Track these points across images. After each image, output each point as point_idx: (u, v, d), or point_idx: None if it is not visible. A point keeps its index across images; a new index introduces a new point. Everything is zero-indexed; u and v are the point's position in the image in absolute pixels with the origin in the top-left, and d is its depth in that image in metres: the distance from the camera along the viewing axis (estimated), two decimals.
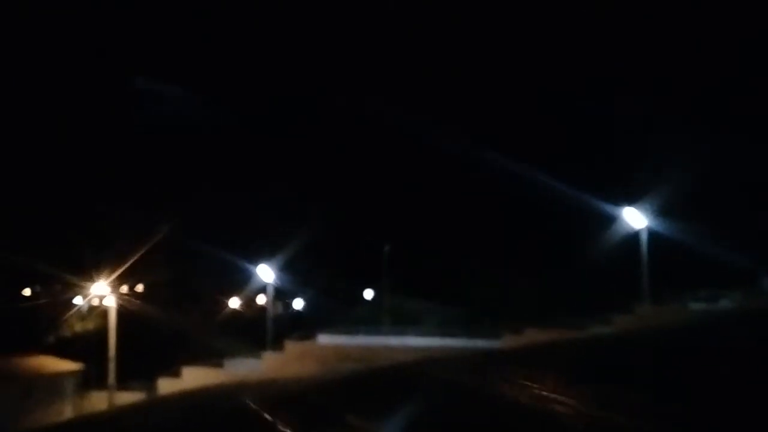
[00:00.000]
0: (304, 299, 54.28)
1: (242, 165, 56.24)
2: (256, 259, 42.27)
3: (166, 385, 33.97)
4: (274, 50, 60.93)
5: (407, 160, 47.79)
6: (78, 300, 46.86)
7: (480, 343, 31.29)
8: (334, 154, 52.45)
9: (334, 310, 46.42)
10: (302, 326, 40.67)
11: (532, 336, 29.40)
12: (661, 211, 31.39)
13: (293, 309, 55.54)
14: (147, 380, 35.43)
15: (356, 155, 50.09)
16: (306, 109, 56.50)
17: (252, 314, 52.82)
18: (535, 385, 12.35)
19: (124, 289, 46.64)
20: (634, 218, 31.04)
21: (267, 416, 14.95)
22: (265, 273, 41.05)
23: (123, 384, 35.12)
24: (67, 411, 34.61)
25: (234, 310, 55.51)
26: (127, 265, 36.77)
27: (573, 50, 41.95)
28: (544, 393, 11.47)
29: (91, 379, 37.25)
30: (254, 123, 57.80)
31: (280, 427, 12.88)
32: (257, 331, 40.27)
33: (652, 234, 30.92)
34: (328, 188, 52.49)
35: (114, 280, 36.72)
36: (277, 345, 37.00)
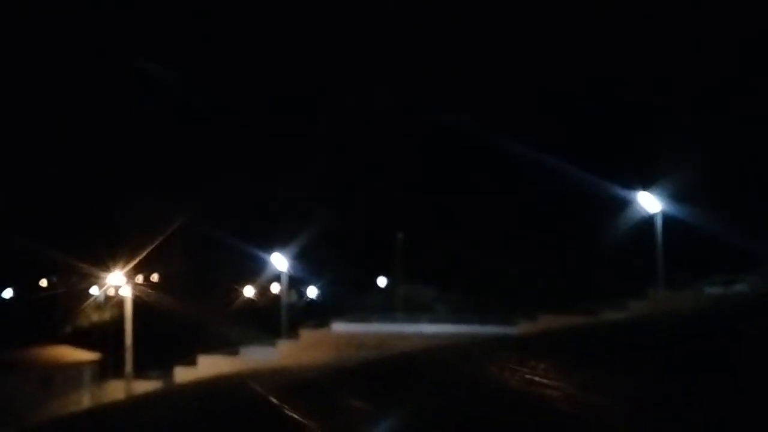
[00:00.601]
0: (318, 287, 54.45)
1: (256, 154, 56.30)
2: (271, 248, 42.41)
3: (182, 374, 34.28)
4: (289, 37, 60.84)
5: (420, 147, 47.66)
6: (94, 290, 47.37)
7: (494, 330, 31.24)
8: (348, 143, 52.35)
9: (347, 298, 46.55)
10: (316, 314, 40.81)
11: (547, 322, 29.26)
12: (676, 196, 31.12)
13: (307, 297, 55.75)
14: (164, 369, 35.78)
15: (370, 144, 49.96)
16: (321, 97, 56.47)
17: (266, 303, 53.15)
18: (530, 371, 12.43)
19: (140, 278, 47.09)
20: (649, 203, 30.79)
21: (278, 403, 15.05)
22: (279, 262, 41.19)
23: (140, 373, 35.50)
24: (85, 400, 35.06)
25: (249, 298, 55.87)
26: (142, 255, 37.07)
27: (589, 35, 41.50)
28: (537, 378, 11.58)
29: (109, 368, 37.72)
30: (268, 112, 57.87)
31: (290, 414, 12.97)
32: (272, 319, 40.49)
33: (666, 219, 30.67)
34: (342, 177, 52.46)
35: (130, 270, 37.04)
36: (291, 333, 37.16)
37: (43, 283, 58.39)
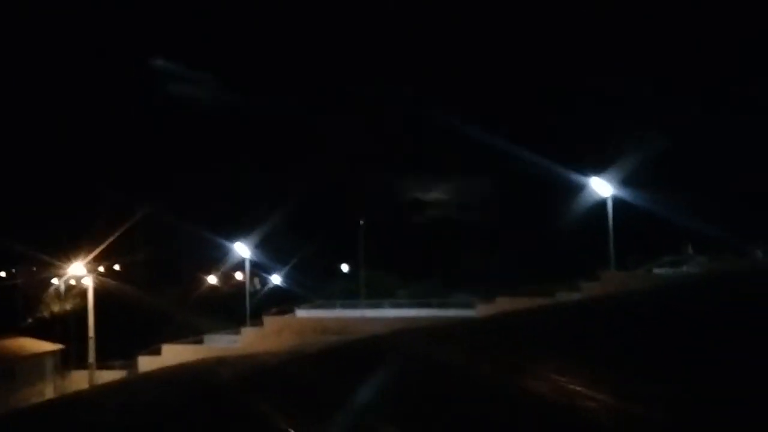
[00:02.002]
0: (282, 274, 54.75)
1: (219, 144, 56.19)
2: (234, 236, 42.58)
3: (146, 363, 34.33)
4: (252, 26, 60.49)
5: (381, 134, 48.13)
6: (56, 281, 46.91)
7: (454, 313, 32.10)
8: (309, 130, 52.57)
9: (311, 284, 46.99)
10: (280, 301, 41.18)
11: (504, 304, 30.18)
12: (628, 181, 32.19)
13: (271, 284, 56.01)
14: (127, 359, 35.81)
15: (331, 130, 50.25)
16: (284, 85, 56.43)
17: (230, 291, 53.28)
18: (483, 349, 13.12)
19: (102, 269, 46.72)
20: (601, 187, 31.79)
21: (243, 389, 15.43)
22: (242, 249, 41.38)
23: (103, 363, 35.46)
24: (48, 391, 34.92)
25: (212, 287, 55.91)
26: (104, 245, 36.89)
27: (543, 25, 42.36)
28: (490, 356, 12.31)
29: (71, 359, 37.58)
30: (231, 102, 57.64)
31: (254, 401, 13.37)
32: (236, 307, 40.73)
33: (620, 203, 31.71)
34: (304, 165, 52.65)
35: (92, 261, 36.83)
36: (255, 320, 37.49)
37: (1, 274, 57.49)
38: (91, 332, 34.35)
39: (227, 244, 43.98)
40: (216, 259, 50.99)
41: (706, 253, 32.99)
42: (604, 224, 31.32)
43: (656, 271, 30.36)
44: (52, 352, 36.65)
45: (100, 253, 36.76)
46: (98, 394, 28.58)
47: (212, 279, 57.03)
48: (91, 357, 34.37)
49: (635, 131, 33.40)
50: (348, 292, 40.34)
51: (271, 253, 47.38)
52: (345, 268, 53.88)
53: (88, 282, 35.44)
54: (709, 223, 30.82)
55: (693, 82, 35.65)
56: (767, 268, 24.96)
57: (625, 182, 31.96)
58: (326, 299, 39.12)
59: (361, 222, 37.84)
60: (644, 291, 21.51)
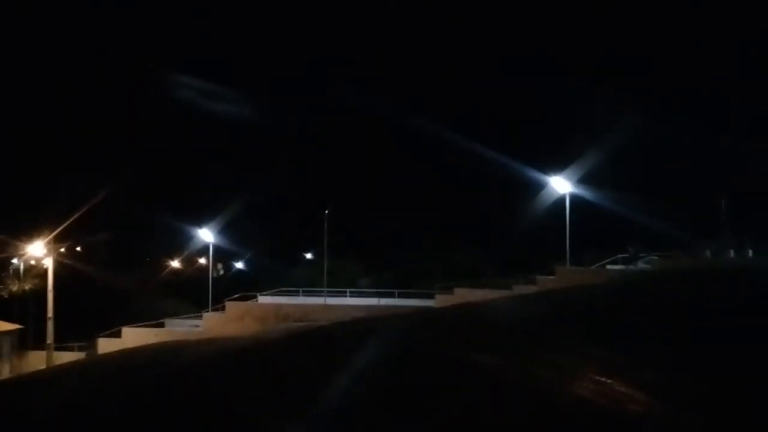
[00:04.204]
0: (246, 260, 54.89)
1: (184, 128, 55.83)
2: (199, 221, 42.59)
3: (106, 345, 34.28)
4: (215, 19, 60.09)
5: (349, 127, 48.49)
6: (15, 260, 46.26)
7: (413, 303, 32.81)
8: (275, 120, 52.63)
9: (275, 270, 47.24)
10: (243, 287, 41.38)
11: (463, 295, 30.96)
12: (586, 179, 33.17)
13: (235, 269, 56.10)
14: (87, 340, 35.70)
15: (299, 121, 50.43)
16: (248, 74, 56.28)
17: (193, 275, 53.22)
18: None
19: (63, 250, 46.20)
20: (561, 185, 32.71)
21: (204, 373, 15.72)
22: (206, 234, 41.42)
23: (62, 344, 35.28)
24: (5, 371, 34.67)
25: (175, 271, 55.69)
26: (64, 226, 36.55)
27: (504, 18, 43.06)
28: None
29: (29, 339, 37.29)
30: (197, 87, 57.25)
31: (216, 383, 13.66)
32: (198, 291, 40.82)
33: (578, 200, 32.68)
34: (270, 151, 52.73)
35: (52, 241, 36.47)
36: (217, 305, 37.66)
37: None
38: (50, 313, 34.06)
39: (192, 228, 43.99)
40: (180, 243, 50.88)
41: (658, 251, 34.15)
42: (562, 221, 32.28)
43: (609, 267, 31.38)
44: (10, 332, 36.35)
45: (62, 233, 36.40)
46: (55, 375, 28.49)
47: (175, 263, 56.78)
48: (50, 338, 34.09)
49: (594, 130, 34.35)
50: (311, 280, 40.75)
51: (237, 238, 47.46)
52: (309, 256, 54.17)
53: (48, 262, 35.14)
54: (663, 222, 32.09)
55: (650, 83, 36.78)
56: (713, 267, 25.99)
57: (583, 181, 32.97)
58: (289, 286, 39.45)
59: (327, 211, 38.19)
60: (595, 285, 22.50)
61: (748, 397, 7.88)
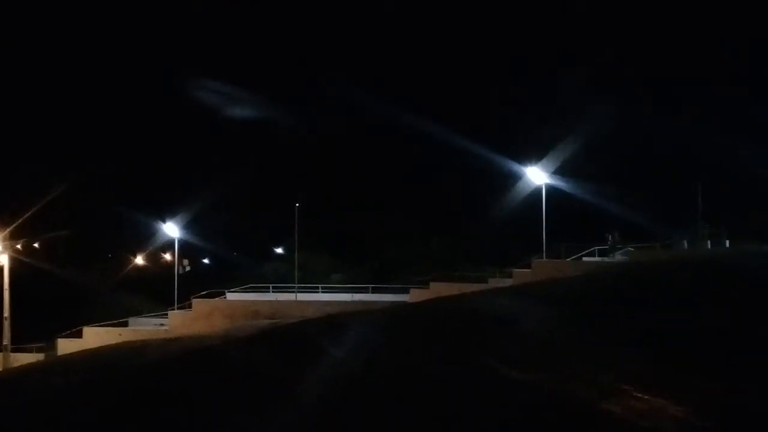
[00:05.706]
0: (214, 256, 53.62)
1: (148, 120, 54.35)
2: (164, 216, 41.20)
3: (66, 346, 32.85)
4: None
5: (320, 119, 47.63)
6: None
7: (388, 298, 32.03)
8: (243, 111, 51.50)
9: (244, 266, 46.11)
10: (211, 283, 40.12)
11: (438, 290, 30.23)
12: (562, 170, 32.77)
13: (202, 265, 54.79)
14: (46, 341, 34.23)
15: (268, 113, 49.41)
16: (215, 68, 55.07)
17: (159, 271, 51.70)
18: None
19: (20, 246, 44.41)
20: (537, 176, 32.23)
21: (169, 374, 14.88)
22: (171, 229, 40.05)
23: (19, 345, 33.83)
24: None
25: (140, 267, 54.12)
26: (19, 221, 35.02)
27: (479, 11, 42.59)
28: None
29: None
30: (164, 79, 56.00)
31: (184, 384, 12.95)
32: (164, 288, 39.46)
33: (554, 192, 32.26)
34: (239, 144, 51.59)
35: (7, 237, 34.90)
36: (184, 303, 36.40)
37: None
38: (7, 312, 32.72)
39: (157, 223, 42.55)
40: (145, 239, 49.40)
41: (634, 243, 33.92)
42: (538, 213, 31.82)
43: (585, 259, 31.01)
44: None
45: (18, 229, 34.85)
46: (11, 377, 27.20)
47: (139, 260, 55.17)
48: (6, 339, 32.76)
49: (570, 121, 33.98)
50: (281, 276, 39.73)
51: (204, 233, 46.15)
52: (280, 250, 53.08)
53: (4, 259, 33.61)
54: (638, 214, 31.89)
55: (629, 74, 36.56)
56: (688, 258, 25.78)
57: (559, 172, 32.57)
58: (259, 282, 38.33)
59: (297, 204, 37.19)
60: (571, 277, 22.18)
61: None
